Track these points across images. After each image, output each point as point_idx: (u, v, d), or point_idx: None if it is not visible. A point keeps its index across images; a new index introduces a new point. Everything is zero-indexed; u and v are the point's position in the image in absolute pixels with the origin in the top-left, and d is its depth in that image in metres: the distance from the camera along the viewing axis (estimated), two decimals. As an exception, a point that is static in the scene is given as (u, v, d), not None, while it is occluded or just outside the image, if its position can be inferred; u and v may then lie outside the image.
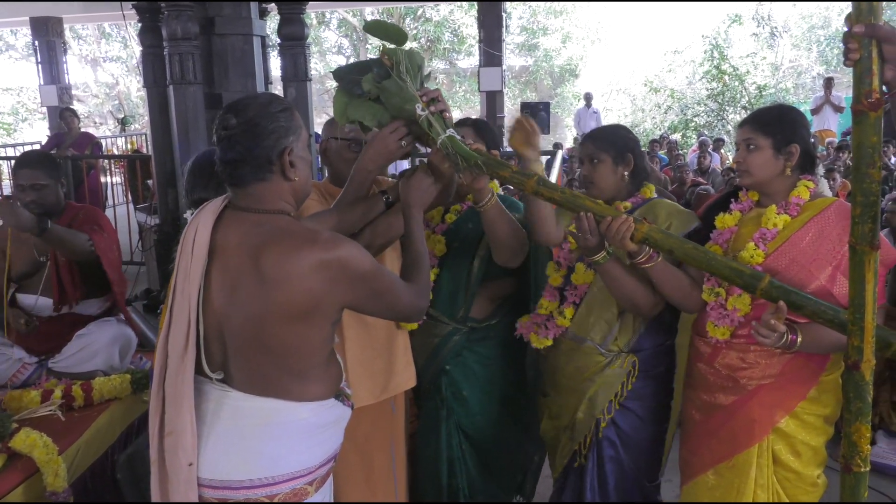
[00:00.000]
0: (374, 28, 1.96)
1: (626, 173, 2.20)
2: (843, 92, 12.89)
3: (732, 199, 2.11)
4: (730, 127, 15.50)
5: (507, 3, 12.76)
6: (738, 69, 15.86)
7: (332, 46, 21.80)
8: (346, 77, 1.91)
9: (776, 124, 1.96)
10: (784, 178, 1.98)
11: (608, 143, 2.20)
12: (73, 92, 13.47)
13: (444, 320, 2.40)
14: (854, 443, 1.48)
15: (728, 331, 1.99)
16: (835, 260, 1.86)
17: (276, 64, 6.16)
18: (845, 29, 1.29)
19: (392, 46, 1.89)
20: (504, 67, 11.61)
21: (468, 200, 2.35)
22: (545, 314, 2.30)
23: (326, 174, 2.34)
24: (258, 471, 1.56)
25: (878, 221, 1.31)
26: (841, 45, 1.31)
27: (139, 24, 5.27)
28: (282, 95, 5.47)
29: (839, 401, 1.95)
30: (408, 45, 1.93)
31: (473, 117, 2.51)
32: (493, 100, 11.26)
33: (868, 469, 1.52)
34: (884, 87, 1.27)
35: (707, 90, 16.26)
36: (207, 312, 1.57)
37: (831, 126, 11.23)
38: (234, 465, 1.57)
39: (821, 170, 6.22)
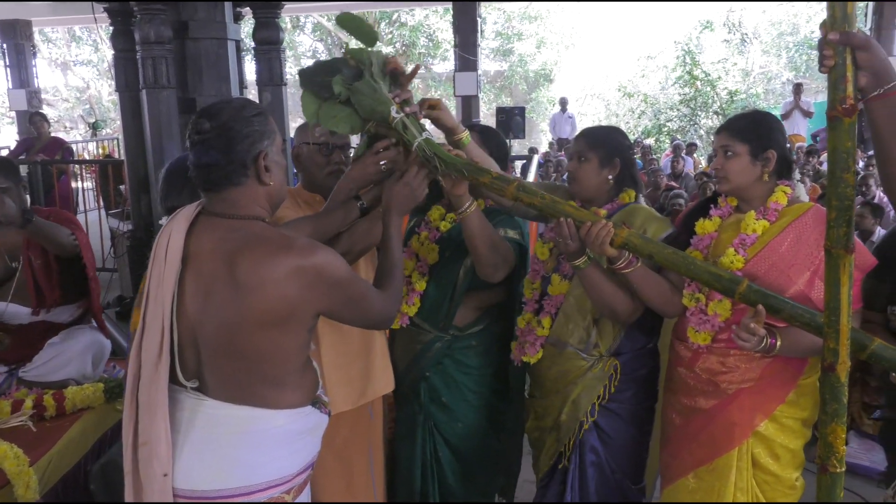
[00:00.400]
0: (346, 22, 1.89)
1: (610, 177, 2.20)
2: (812, 97, 13.12)
3: (712, 205, 2.13)
4: (702, 132, 15.70)
5: (482, 8, 12.80)
6: (709, 75, 16.06)
7: (306, 51, 21.71)
8: (313, 79, 1.87)
9: (752, 130, 1.98)
10: (762, 184, 2.00)
11: (598, 143, 2.20)
12: (43, 96, 13.24)
13: (426, 328, 2.39)
14: (830, 444, 1.50)
15: (709, 336, 2.00)
16: (812, 265, 1.88)
17: (250, 68, 6.11)
18: (819, 36, 1.31)
19: (359, 47, 1.85)
20: (479, 72, 11.65)
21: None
22: (524, 326, 2.31)
23: (300, 180, 2.32)
24: (235, 480, 1.55)
25: (853, 225, 1.32)
26: (810, 51, 1.33)
27: (111, 28, 5.21)
28: (256, 100, 5.42)
29: (817, 404, 1.97)
30: (384, 50, 1.90)
31: (481, 123, 2.51)
32: (468, 104, 11.30)
33: (844, 469, 1.53)
34: (858, 94, 1.29)
35: (679, 95, 16.44)
36: (181, 319, 1.55)
37: (801, 131, 11.43)
38: (209, 475, 1.55)
39: (797, 174, 6.32)
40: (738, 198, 2.07)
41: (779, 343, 1.83)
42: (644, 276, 1.99)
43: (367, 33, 1.88)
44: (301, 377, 1.63)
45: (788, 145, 2.00)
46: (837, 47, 1.26)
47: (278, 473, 1.59)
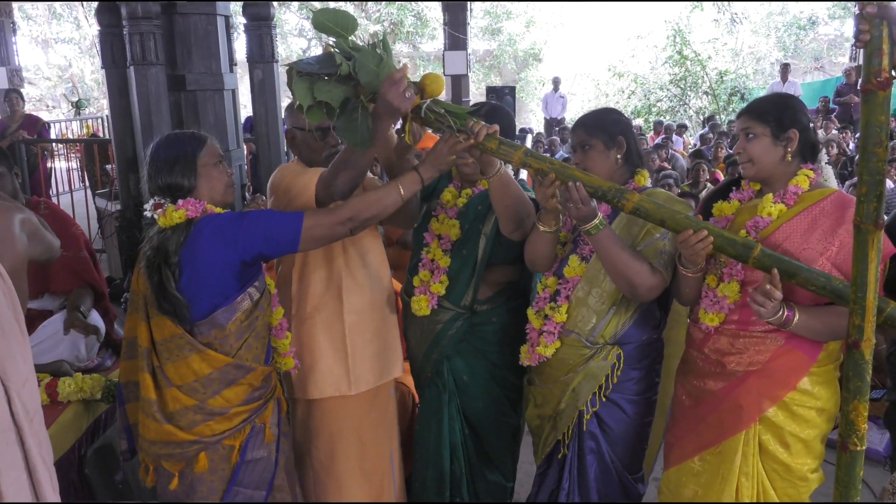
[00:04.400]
0: (322, 24, 1.83)
1: (619, 157, 2.15)
2: (799, 77, 13.12)
3: (734, 188, 2.10)
4: (692, 112, 15.67)
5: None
6: (699, 55, 16.02)
7: (292, 29, 21.41)
8: (303, 68, 1.82)
9: (772, 112, 1.93)
10: (784, 166, 1.94)
11: (597, 127, 2.15)
12: (24, 74, 12.95)
13: (446, 305, 2.38)
14: (852, 421, 1.49)
15: (718, 317, 1.98)
16: (826, 251, 1.83)
17: (240, 46, 5.99)
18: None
19: (342, 39, 1.82)
20: (468, 51, 11.55)
21: (480, 185, 2.35)
22: (539, 327, 2.25)
23: (296, 158, 2.32)
24: None
25: (883, 201, 1.30)
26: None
27: (95, 3, 5.08)
28: (247, 77, 5.30)
29: (835, 394, 1.95)
30: (371, 28, 1.86)
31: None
32: (458, 83, 11.21)
33: (864, 447, 1.53)
34: (893, 72, 1.26)
35: (669, 75, 16.40)
36: None
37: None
38: None
39: (824, 157, 6.21)
40: (761, 181, 2.02)
41: (796, 317, 1.79)
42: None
43: (344, 25, 1.82)
44: None
45: (812, 125, 1.94)
46: (874, 20, 1.23)
47: None
